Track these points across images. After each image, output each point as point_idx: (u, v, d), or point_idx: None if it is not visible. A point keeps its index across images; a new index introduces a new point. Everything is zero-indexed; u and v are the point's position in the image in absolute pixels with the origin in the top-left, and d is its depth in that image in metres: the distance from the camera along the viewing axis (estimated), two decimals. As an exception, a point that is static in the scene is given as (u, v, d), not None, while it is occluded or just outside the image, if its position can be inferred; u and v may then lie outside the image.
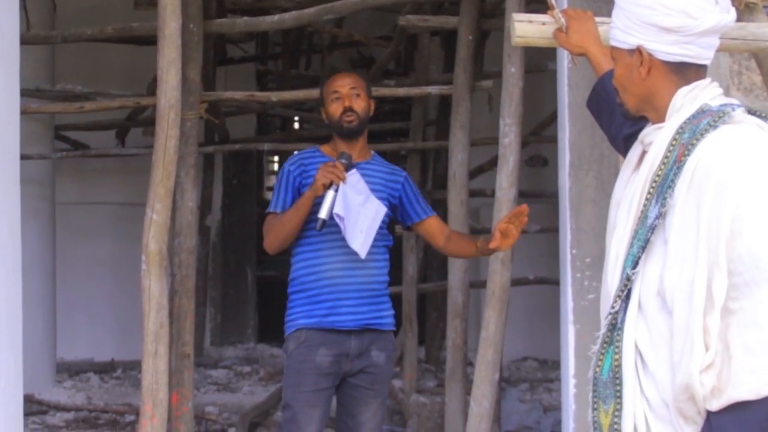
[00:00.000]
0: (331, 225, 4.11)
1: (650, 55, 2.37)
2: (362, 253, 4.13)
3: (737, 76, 4.07)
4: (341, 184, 4.07)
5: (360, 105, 4.32)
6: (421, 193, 4.52)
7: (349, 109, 4.28)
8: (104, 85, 8.90)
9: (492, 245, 4.10)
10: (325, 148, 4.38)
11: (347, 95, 4.30)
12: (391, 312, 4.36)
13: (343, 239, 4.12)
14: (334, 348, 4.19)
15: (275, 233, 4.23)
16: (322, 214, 4.06)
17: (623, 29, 2.40)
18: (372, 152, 4.48)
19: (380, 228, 4.26)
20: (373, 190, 4.26)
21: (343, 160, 4.15)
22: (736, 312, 2.14)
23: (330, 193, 4.06)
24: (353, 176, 4.16)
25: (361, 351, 4.23)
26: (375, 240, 4.22)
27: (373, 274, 4.27)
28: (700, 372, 2.15)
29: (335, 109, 4.30)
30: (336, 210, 4.06)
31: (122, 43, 8.94)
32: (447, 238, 4.43)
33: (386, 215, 4.28)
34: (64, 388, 8.96)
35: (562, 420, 4.50)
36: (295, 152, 4.42)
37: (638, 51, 2.38)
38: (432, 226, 4.43)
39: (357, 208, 4.13)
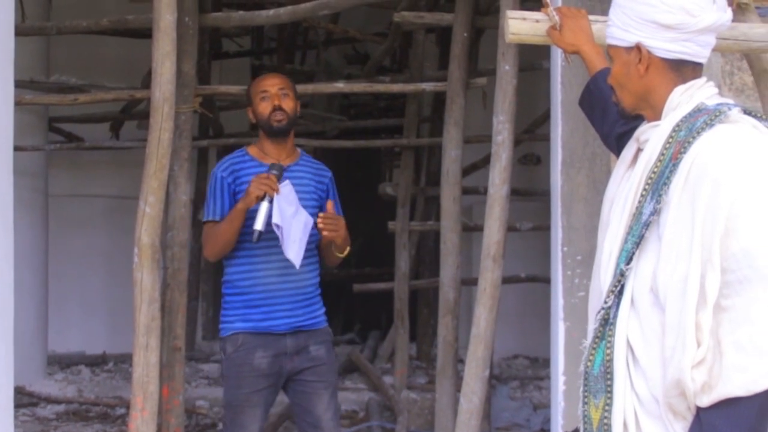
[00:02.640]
0: (266, 233, 4.15)
1: (649, 52, 2.38)
2: (297, 262, 4.21)
3: (729, 76, 4.08)
4: (275, 195, 4.12)
5: (289, 105, 4.36)
6: (338, 198, 4.56)
7: (278, 108, 4.32)
8: (99, 77, 8.88)
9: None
10: (253, 150, 4.43)
11: (276, 95, 4.35)
12: (323, 310, 4.46)
13: (279, 247, 4.18)
14: (271, 349, 4.28)
15: (213, 243, 4.32)
16: (258, 225, 4.12)
17: (621, 27, 2.41)
18: (299, 151, 4.52)
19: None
20: (305, 191, 4.34)
21: (275, 171, 4.19)
22: (729, 309, 2.16)
23: (264, 205, 4.12)
24: (285, 187, 4.21)
25: (299, 349, 4.32)
26: (306, 246, 4.30)
27: (307, 278, 4.36)
28: (692, 368, 2.16)
29: (264, 107, 4.35)
30: (275, 220, 4.11)
31: (117, 36, 8.92)
32: (323, 249, 4.49)
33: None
34: (55, 380, 8.96)
35: (551, 416, 4.52)
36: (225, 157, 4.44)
37: (637, 48, 2.39)
38: None
39: (289, 219, 4.20)
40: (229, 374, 4.31)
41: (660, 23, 2.35)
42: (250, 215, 4.16)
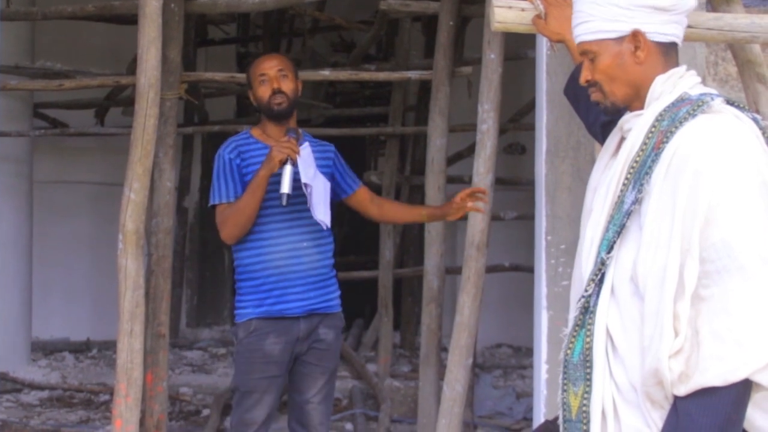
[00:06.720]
0: (276, 211, 4.15)
1: (645, 37, 2.40)
2: (326, 222, 4.19)
3: (713, 66, 4.09)
4: (298, 158, 4.09)
5: (288, 86, 4.30)
6: (347, 165, 4.55)
7: (278, 91, 4.27)
8: (84, 63, 8.85)
9: (444, 212, 4.51)
10: (256, 132, 4.38)
11: (275, 77, 4.29)
12: (338, 293, 4.42)
13: (288, 228, 4.19)
14: (283, 335, 4.25)
15: (234, 222, 4.20)
16: (285, 188, 4.07)
17: (609, 18, 2.41)
18: (301, 132, 4.46)
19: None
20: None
21: (294, 135, 4.17)
22: (707, 299, 2.17)
23: (288, 168, 4.07)
24: (305, 150, 4.18)
25: (310, 331, 4.30)
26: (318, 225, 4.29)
27: (319, 258, 4.31)
28: (669, 357, 2.17)
29: (264, 91, 4.29)
30: (305, 180, 4.08)
31: (103, 22, 8.90)
32: (379, 205, 4.55)
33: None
34: (38, 366, 8.95)
35: (533, 405, 4.53)
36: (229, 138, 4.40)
37: (634, 35, 2.40)
38: (363, 196, 4.51)
39: (313, 180, 4.17)
40: (240, 359, 4.29)
41: (654, 6, 2.38)
42: (274, 184, 4.12)
